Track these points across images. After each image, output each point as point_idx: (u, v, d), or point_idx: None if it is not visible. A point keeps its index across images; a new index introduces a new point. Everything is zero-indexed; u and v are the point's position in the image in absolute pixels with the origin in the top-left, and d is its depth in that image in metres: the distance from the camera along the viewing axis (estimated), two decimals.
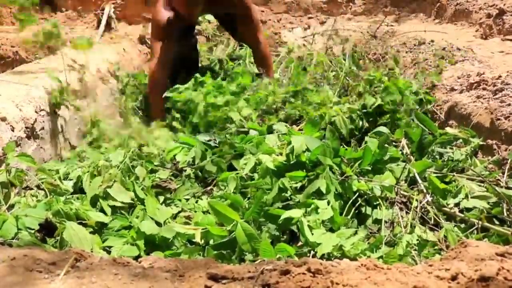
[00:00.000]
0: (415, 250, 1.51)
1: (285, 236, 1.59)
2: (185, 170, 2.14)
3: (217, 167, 2.06)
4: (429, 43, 3.55)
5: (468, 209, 1.75)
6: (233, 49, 4.13)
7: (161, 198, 1.93)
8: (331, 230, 1.57)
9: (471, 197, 1.77)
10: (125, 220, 1.73)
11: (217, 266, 1.02)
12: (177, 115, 2.69)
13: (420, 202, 1.74)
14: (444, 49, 3.30)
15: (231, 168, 2.10)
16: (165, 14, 2.94)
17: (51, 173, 2.00)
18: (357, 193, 1.75)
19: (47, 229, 1.60)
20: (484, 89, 2.47)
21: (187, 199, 1.96)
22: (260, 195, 1.58)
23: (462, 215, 1.70)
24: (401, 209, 1.77)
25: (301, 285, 0.93)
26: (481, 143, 2.20)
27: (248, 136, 2.30)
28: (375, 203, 1.77)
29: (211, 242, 1.53)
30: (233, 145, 2.17)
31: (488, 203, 1.74)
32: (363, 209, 1.76)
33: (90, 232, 1.63)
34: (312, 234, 1.47)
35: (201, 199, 1.94)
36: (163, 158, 2.23)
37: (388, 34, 4.26)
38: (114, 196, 1.78)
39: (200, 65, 3.64)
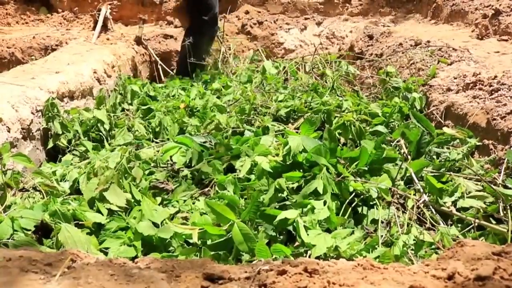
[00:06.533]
0: (411, 250, 1.51)
1: (282, 237, 1.59)
2: (182, 171, 2.13)
3: (213, 169, 2.06)
4: (425, 44, 3.56)
5: (465, 209, 1.75)
6: None
7: (158, 199, 1.92)
8: (328, 230, 1.57)
9: (468, 196, 1.77)
10: (122, 221, 1.72)
11: (214, 267, 1.02)
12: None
13: (417, 202, 1.74)
14: (440, 49, 3.31)
15: (229, 169, 2.10)
16: None
17: (48, 175, 1.99)
18: (354, 193, 1.75)
19: (43, 230, 1.60)
20: (480, 89, 2.48)
21: (184, 200, 1.95)
22: (257, 195, 1.57)
23: (459, 214, 1.70)
24: (397, 209, 1.77)
25: (298, 285, 0.93)
26: (478, 143, 2.21)
27: (243, 137, 2.29)
28: (372, 203, 1.77)
29: (208, 242, 1.52)
30: (229, 147, 2.16)
31: (485, 202, 1.74)
32: (359, 209, 1.76)
33: (87, 233, 1.63)
34: (308, 234, 1.47)
35: (198, 200, 1.94)
36: (159, 159, 2.22)
37: (385, 34, 4.27)
38: (110, 200, 1.78)
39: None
